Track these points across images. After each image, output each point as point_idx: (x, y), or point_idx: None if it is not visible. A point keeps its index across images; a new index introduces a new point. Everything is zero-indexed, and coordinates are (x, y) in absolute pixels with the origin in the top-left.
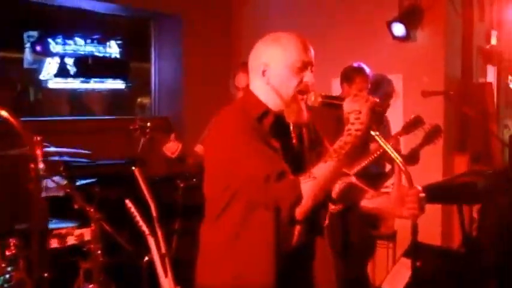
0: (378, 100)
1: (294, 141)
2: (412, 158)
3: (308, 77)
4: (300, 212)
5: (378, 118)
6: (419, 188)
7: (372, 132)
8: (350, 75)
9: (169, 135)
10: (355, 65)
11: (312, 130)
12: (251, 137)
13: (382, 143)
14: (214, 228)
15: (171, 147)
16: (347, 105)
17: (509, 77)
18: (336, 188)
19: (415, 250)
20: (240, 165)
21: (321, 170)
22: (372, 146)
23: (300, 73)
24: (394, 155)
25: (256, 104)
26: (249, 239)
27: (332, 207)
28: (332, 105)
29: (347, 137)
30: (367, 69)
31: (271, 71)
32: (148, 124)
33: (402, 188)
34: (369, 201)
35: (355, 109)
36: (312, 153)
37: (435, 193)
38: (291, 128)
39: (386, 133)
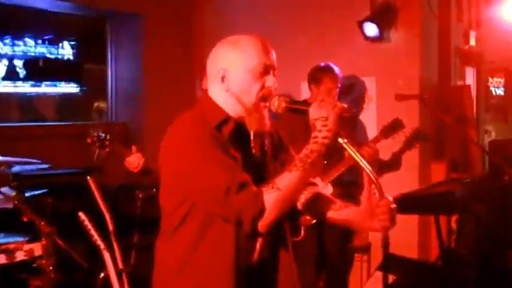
0: (346, 105)
1: (254, 151)
2: (393, 164)
3: (270, 81)
4: (263, 224)
5: (349, 123)
6: (390, 198)
7: (340, 140)
8: (317, 75)
9: (130, 148)
10: (322, 64)
11: (275, 138)
12: (210, 145)
13: (351, 151)
14: (171, 242)
15: (133, 161)
16: (313, 112)
17: (490, 79)
18: (302, 199)
19: (387, 264)
20: (198, 176)
21: (285, 180)
22: (348, 153)
23: (262, 77)
24: (363, 163)
25: (215, 111)
26: (208, 253)
27: (307, 218)
28: (298, 111)
29: (313, 145)
30: (336, 69)
31: (231, 76)
32: (108, 136)
33: (372, 199)
34: (337, 213)
35: (322, 115)
36: (275, 163)
37: (411, 203)
38: (252, 137)
39: (363, 138)
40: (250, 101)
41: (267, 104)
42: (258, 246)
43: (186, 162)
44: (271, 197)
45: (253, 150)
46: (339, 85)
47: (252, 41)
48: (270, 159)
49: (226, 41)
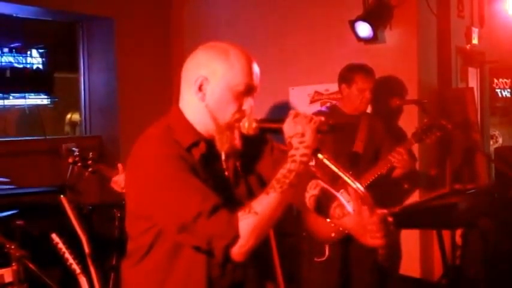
0: (322, 118)
1: (226, 173)
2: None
3: (248, 104)
4: (240, 252)
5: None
6: (385, 211)
7: (320, 156)
8: (348, 74)
9: (116, 166)
10: (355, 63)
11: (248, 158)
12: (178, 167)
13: (332, 167)
14: (140, 268)
15: (121, 181)
16: (287, 128)
17: (495, 81)
18: (311, 199)
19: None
20: (165, 200)
21: (262, 203)
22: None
23: (241, 98)
24: (349, 179)
25: (186, 131)
26: (179, 280)
27: (332, 235)
28: (270, 130)
29: (291, 164)
30: (370, 68)
31: (209, 87)
32: (91, 155)
33: (363, 214)
34: (337, 221)
35: (297, 132)
36: (248, 185)
37: (411, 217)
38: (223, 157)
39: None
40: (224, 120)
41: (240, 125)
42: (229, 271)
43: (151, 185)
44: (248, 222)
45: (226, 172)
46: (372, 86)
47: (241, 56)
48: (243, 181)
49: (212, 47)
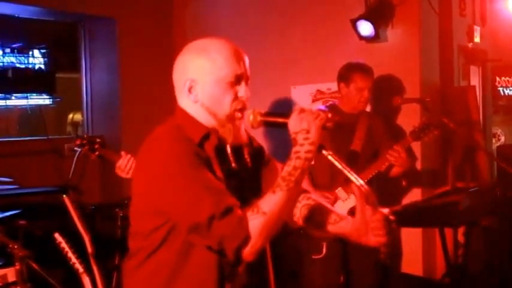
0: (329, 115)
1: (234, 165)
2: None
3: (242, 91)
4: (250, 252)
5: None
6: (386, 211)
7: (325, 152)
8: (347, 73)
9: (120, 153)
10: (353, 62)
11: (254, 150)
12: (193, 165)
13: (337, 164)
14: (146, 268)
15: (124, 165)
16: (293, 124)
17: (497, 79)
18: (302, 212)
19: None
20: (178, 199)
21: (269, 202)
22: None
23: (233, 87)
24: (353, 176)
25: (195, 126)
26: (190, 279)
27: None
28: (275, 125)
29: (296, 161)
30: (369, 67)
31: (199, 87)
32: (97, 140)
33: (366, 212)
34: (333, 226)
35: (303, 128)
36: (258, 178)
37: (414, 215)
38: (228, 150)
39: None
40: (224, 113)
41: (240, 115)
42: (239, 273)
43: (165, 183)
44: (257, 223)
45: (233, 165)
46: (371, 85)
47: (222, 47)
48: (253, 174)
49: (192, 48)
